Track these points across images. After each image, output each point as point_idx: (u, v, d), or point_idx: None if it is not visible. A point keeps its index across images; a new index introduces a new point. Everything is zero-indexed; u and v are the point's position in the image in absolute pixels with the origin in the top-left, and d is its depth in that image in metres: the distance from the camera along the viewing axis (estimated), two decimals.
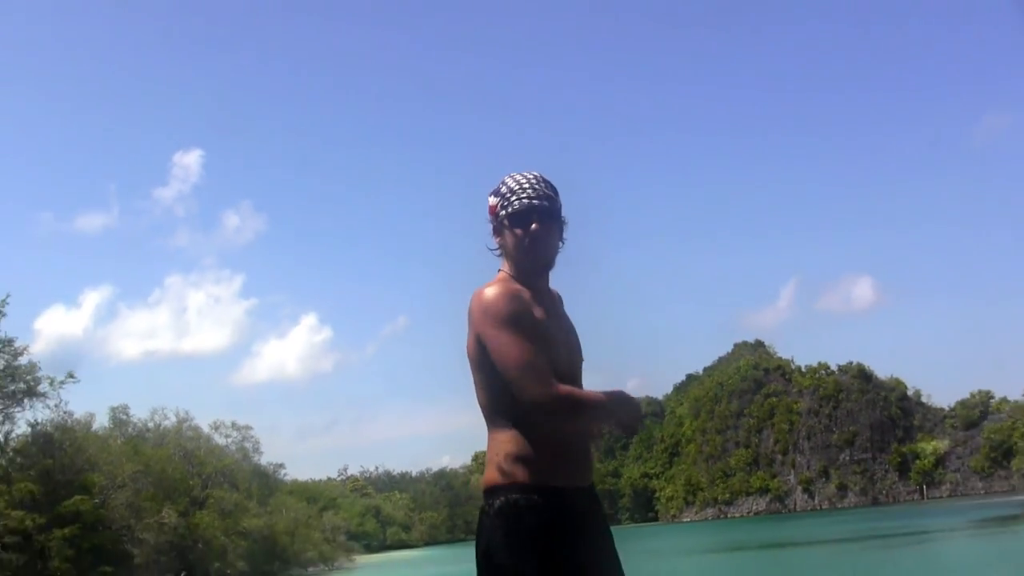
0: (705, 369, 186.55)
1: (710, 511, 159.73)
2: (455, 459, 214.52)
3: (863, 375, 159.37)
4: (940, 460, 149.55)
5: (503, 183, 3.43)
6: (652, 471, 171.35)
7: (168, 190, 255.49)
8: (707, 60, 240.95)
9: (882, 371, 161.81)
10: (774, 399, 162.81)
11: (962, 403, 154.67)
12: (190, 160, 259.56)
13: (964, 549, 39.39)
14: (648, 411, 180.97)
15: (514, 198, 3.37)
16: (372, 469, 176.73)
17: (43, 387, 56.06)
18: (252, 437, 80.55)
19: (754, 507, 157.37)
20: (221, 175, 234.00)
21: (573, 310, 3.64)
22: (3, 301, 55.03)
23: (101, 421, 66.75)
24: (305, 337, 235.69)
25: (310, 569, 72.57)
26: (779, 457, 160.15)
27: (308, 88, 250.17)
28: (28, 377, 55.75)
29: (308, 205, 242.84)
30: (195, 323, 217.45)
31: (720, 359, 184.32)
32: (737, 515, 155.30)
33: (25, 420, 57.20)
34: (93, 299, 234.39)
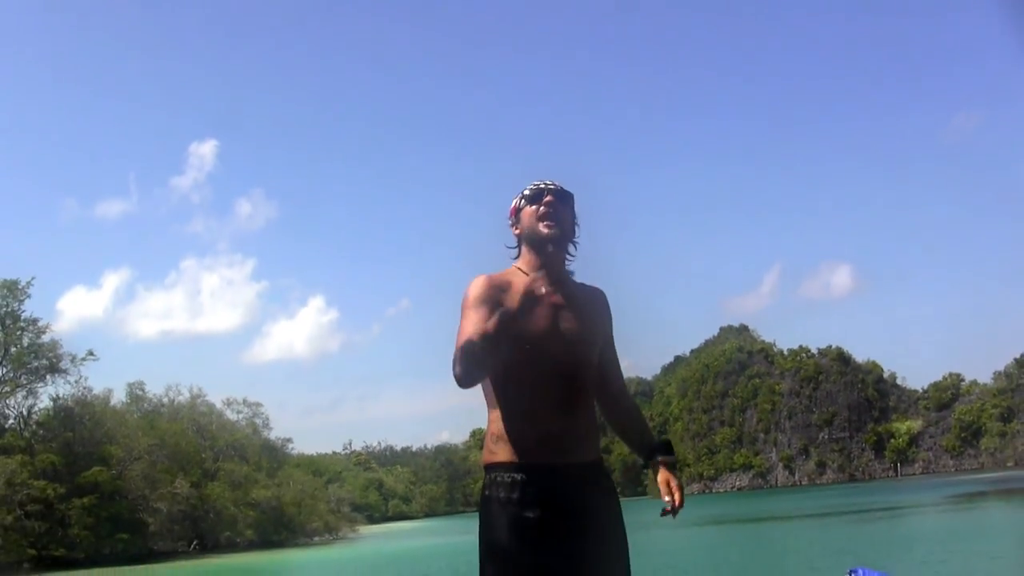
0: (692, 351, 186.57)
1: (695, 486, 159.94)
2: (454, 435, 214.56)
3: (842, 358, 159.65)
4: (913, 439, 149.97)
5: (524, 188, 3.48)
6: None
7: (184, 178, 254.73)
8: (690, 51, 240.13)
9: (860, 355, 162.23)
10: (757, 380, 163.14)
11: (935, 385, 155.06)
12: (205, 150, 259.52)
13: (935, 523, 39.50)
14: (637, 391, 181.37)
15: (532, 186, 3.44)
16: (375, 444, 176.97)
17: (65, 364, 56.41)
18: (262, 413, 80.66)
19: (737, 483, 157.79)
20: (235, 164, 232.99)
21: None
22: (28, 283, 55.33)
23: (119, 397, 66.99)
24: (313, 318, 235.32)
25: (315, 539, 72.59)
26: (762, 436, 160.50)
27: (316, 82, 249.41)
28: (51, 354, 55.99)
29: (317, 193, 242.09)
30: (209, 304, 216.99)
31: (707, 342, 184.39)
32: (721, 490, 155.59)
33: (47, 395, 57.62)
34: (113, 281, 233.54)
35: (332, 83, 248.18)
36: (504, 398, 3.26)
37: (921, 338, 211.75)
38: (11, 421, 57.33)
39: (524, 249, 3.47)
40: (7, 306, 54.25)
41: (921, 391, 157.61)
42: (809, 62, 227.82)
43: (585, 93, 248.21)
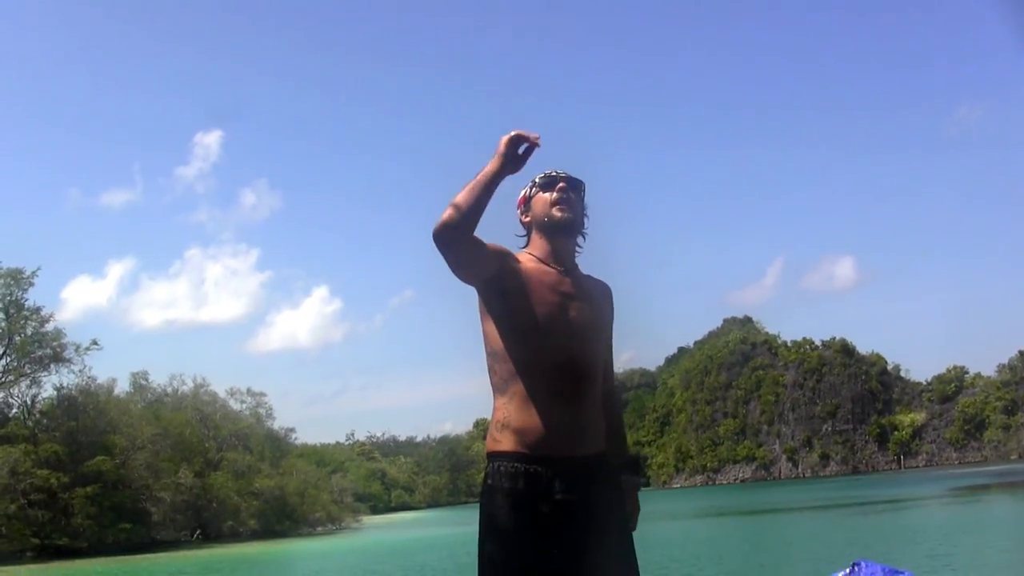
0: (696, 343, 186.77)
1: (699, 478, 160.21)
2: (457, 426, 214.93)
3: (845, 350, 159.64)
4: (917, 432, 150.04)
5: (535, 177, 3.45)
6: (644, 439, 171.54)
7: (189, 168, 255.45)
8: (697, 43, 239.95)
9: (863, 347, 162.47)
10: (761, 372, 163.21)
11: (938, 378, 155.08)
12: (210, 140, 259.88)
13: (940, 516, 39.47)
14: (641, 382, 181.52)
15: (541, 174, 3.42)
16: (378, 434, 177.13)
17: (68, 353, 56.35)
18: (265, 403, 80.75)
19: (740, 474, 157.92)
20: (239, 155, 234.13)
21: None
22: (33, 272, 55.27)
23: (123, 386, 67.02)
24: (317, 308, 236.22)
25: (318, 528, 72.69)
26: (765, 427, 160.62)
27: (321, 73, 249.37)
28: (54, 343, 55.96)
29: (321, 184, 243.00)
30: (213, 294, 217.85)
31: (710, 333, 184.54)
32: (724, 482, 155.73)
33: (51, 384, 57.56)
34: (117, 270, 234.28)
35: (337, 74, 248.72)
36: (510, 386, 3.22)
37: (925, 330, 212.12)
38: (15, 410, 57.36)
39: (535, 236, 3.43)
40: (11, 295, 54.19)
41: (925, 383, 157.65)
42: (813, 55, 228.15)
43: (591, 85, 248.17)
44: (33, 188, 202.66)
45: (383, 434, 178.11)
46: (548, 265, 3.34)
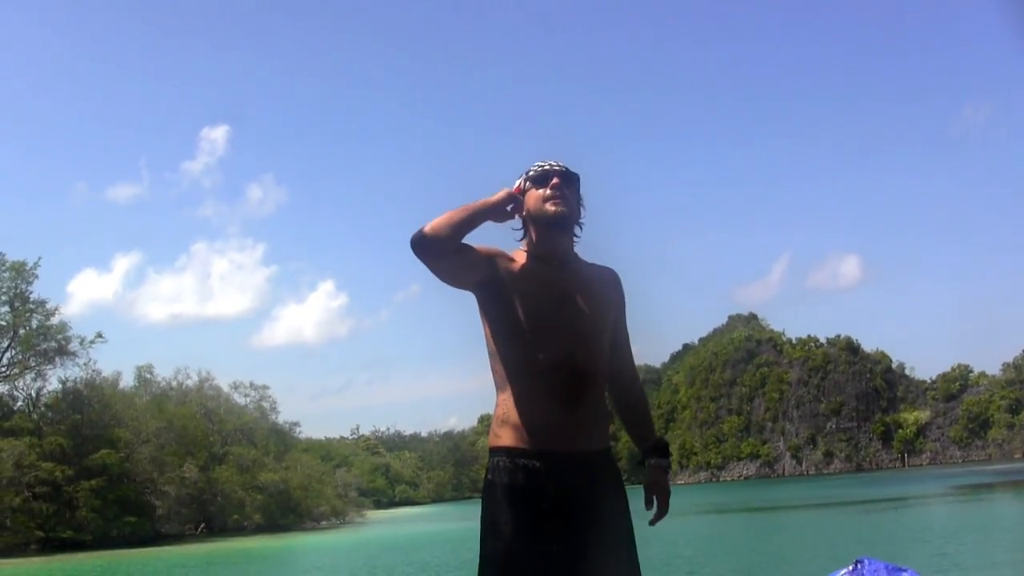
0: (701, 339, 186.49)
1: (703, 474, 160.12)
2: (462, 421, 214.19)
3: (850, 348, 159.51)
4: (921, 430, 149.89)
5: (528, 168, 3.41)
6: None
7: (196, 163, 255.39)
8: (702, 38, 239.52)
9: (868, 344, 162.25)
10: (765, 369, 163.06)
11: (943, 376, 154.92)
12: (217, 135, 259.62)
13: (945, 514, 39.47)
14: (646, 379, 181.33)
15: (536, 166, 3.38)
16: (383, 429, 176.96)
17: (73, 346, 56.43)
18: (270, 397, 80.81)
19: (744, 471, 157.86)
20: (246, 150, 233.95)
21: None
22: (36, 264, 55.29)
23: (127, 380, 67.13)
24: (322, 303, 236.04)
25: (322, 523, 72.73)
26: (769, 424, 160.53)
27: (327, 68, 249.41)
28: (59, 336, 55.98)
29: (327, 179, 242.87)
30: (219, 288, 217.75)
31: (715, 330, 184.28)
32: (728, 479, 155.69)
33: (56, 377, 57.62)
34: (123, 264, 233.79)
35: (343, 69, 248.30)
36: (510, 383, 3.22)
37: (930, 329, 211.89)
38: (20, 403, 57.49)
39: (530, 231, 3.39)
40: (16, 288, 54.22)
41: (929, 381, 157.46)
42: (819, 52, 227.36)
43: (596, 79, 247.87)
44: (40, 182, 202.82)
45: (388, 429, 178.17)
46: (544, 261, 3.31)
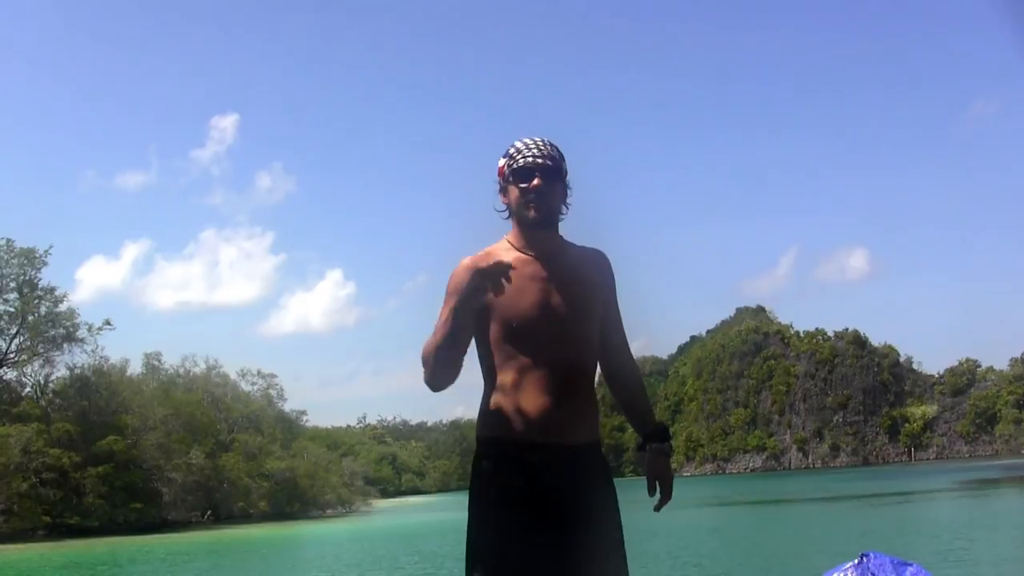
0: (708, 332, 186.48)
1: (709, 467, 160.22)
2: (468, 410, 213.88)
3: (858, 341, 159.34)
4: (928, 424, 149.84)
5: (512, 146, 3.32)
6: None
7: (205, 151, 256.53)
8: (709, 35, 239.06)
9: (876, 338, 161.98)
10: (773, 362, 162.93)
11: (950, 371, 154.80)
12: (226, 124, 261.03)
13: (953, 509, 39.41)
14: (653, 370, 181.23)
15: (519, 156, 3.26)
16: (390, 418, 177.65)
17: (82, 333, 56.57)
18: (277, 385, 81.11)
19: (751, 464, 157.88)
20: (255, 138, 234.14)
21: None
22: (46, 251, 55.38)
23: (135, 367, 67.33)
24: (330, 291, 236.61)
25: (328, 511, 72.95)
26: (776, 417, 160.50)
27: (336, 57, 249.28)
28: (67, 323, 56.12)
29: (336, 168, 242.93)
30: (227, 276, 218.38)
31: (723, 322, 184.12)
32: (734, 471, 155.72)
33: (64, 364, 57.71)
34: (132, 252, 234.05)
35: (352, 57, 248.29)
36: (496, 375, 3.19)
37: (937, 323, 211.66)
38: (27, 389, 57.73)
39: (513, 221, 3.34)
40: (24, 274, 54.34)
41: (937, 376, 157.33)
42: (829, 47, 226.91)
43: (604, 73, 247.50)
44: (49, 169, 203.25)
45: (394, 418, 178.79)
46: (525, 253, 3.26)
